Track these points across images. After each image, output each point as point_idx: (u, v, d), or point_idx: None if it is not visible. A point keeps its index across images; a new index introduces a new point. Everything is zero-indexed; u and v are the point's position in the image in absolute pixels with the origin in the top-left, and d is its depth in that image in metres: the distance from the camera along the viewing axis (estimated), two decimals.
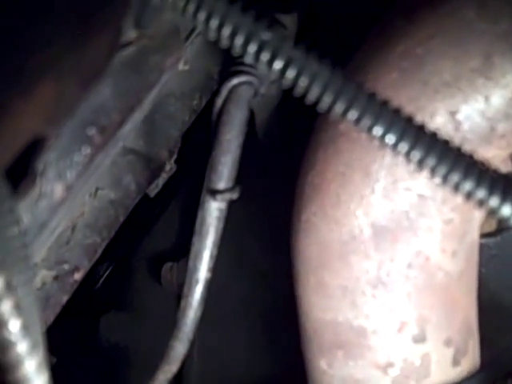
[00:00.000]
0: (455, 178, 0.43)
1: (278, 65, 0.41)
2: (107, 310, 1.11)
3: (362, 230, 0.65)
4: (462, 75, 0.60)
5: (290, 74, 0.41)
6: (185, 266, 0.88)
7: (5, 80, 0.29)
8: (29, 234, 0.45)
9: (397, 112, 0.43)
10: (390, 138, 0.43)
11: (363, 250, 0.66)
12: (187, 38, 0.53)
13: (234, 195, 0.69)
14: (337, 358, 0.71)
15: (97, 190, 0.65)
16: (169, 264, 1.00)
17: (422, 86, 0.60)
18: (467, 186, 0.43)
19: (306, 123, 0.72)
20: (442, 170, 0.43)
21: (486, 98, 0.61)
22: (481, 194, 0.43)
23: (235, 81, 0.69)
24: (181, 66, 0.69)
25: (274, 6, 0.73)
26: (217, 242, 0.72)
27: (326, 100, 0.42)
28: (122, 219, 0.69)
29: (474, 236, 0.69)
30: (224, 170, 0.69)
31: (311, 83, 0.41)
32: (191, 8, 0.39)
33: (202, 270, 0.72)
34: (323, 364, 0.73)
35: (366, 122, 0.42)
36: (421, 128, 0.43)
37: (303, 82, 0.41)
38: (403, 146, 0.43)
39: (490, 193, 0.43)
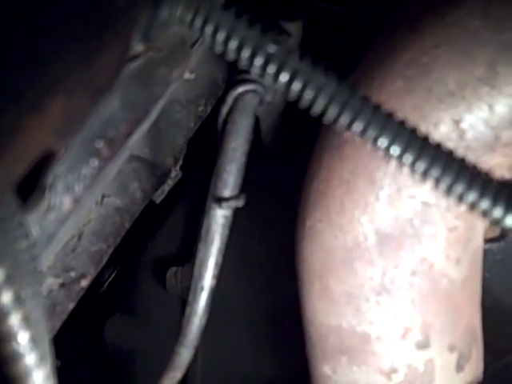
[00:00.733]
0: (459, 188, 0.44)
1: (284, 77, 0.41)
2: (112, 313, 1.11)
3: (366, 237, 0.65)
4: (466, 84, 0.60)
5: (296, 86, 0.41)
6: (189, 271, 0.88)
7: (16, 94, 0.29)
8: (37, 246, 0.45)
9: (401, 124, 0.43)
10: (395, 150, 0.43)
11: (367, 256, 0.66)
12: (192, 46, 0.54)
13: (240, 203, 0.70)
14: (341, 363, 0.72)
15: (103, 197, 0.66)
16: (173, 269, 1.00)
17: (427, 94, 0.60)
18: (471, 196, 0.44)
19: (310, 130, 0.72)
20: (446, 180, 0.44)
21: (490, 107, 0.61)
22: (485, 204, 0.44)
23: (241, 89, 0.69)
24: (187, 75, 0.70)
25: (279, 13, 0.73)
26: (222, 250, 0.73)
27: (332, 112, 0.42)
28: (127, 226, 0.69)
29: (478, 242, 0.69)
30: (229, 178, 0.69)
31: (317, 95, 0.42)
32: (198, 22, 0.40)
33: (207, 278, 0.72)
34: (327, 369, 0.73)
35: (371, 133, 0.43)
36: (425, 139, 0.44)
37: (309, 95, 0.42)
38: (408, 158, 0.44)
39: (494, 204, 0.44)
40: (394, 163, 0.63)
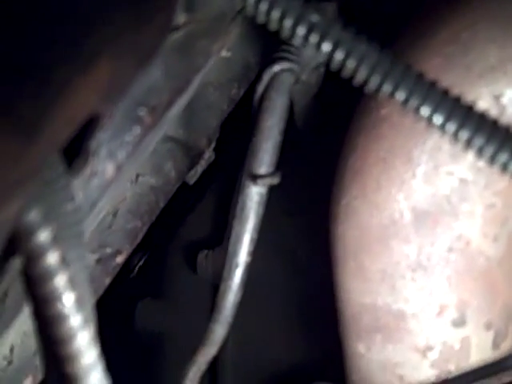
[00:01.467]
0: (503, 157, 0.43)
1: (326, 47, 0.41)
2: (143, 297, 1.12)
3: (402, 214, 0.65)
4: (508, 58, 0.59)
5: (339, 55, 0.41)
6: (220, 255, 0.88)
7: (64, 55, 0.29)
8: (81, 211, 0.45)
9: (445, 93, 0.43)
10: (438, 118, 0.43)
11: (403, 234, 0.66)
12: (232, 20, 0.54)
13: (275, 180, 0.70)
14: (375, 342, 0.72)
15: (138, 176, 0.66)
16: (204, 252, 1.00)
17: (466, 70, 0.60)
18: None
19: (342, 113, 0.72)
20: (490, 149, 0.43)
21: None
22: None
23: (277, 67, 0.69)
24: (224, 53, 0.70)
25: None
26: (257, 227, 0.73)
27: (374, 81, 0.42)
28: (162, 205, 0.70)
29: None
30: (265, 156, 0.69)
31: (359, 64, 0.41)
32: None
33: (242, 254, 0.72)
34: (361, 348, 0.73)
35: (414, 102, 0.42)
36: (469, 108, 0.43)
37: (351, 64, 0.41)
38: (451, 126, 0.43)
39: None
40: (431, 140, 0.64)
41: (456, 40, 0.61)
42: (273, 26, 0.41)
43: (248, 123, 0.77)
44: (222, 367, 1.00)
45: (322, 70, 0.75)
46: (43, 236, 0.35)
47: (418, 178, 0.64)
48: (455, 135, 0.43)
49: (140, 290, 1.13)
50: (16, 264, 0.37)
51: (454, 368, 0.70)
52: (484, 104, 0.61)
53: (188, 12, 0.39)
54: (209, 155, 0.75)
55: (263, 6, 0.40)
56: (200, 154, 0.73)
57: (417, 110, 0.43)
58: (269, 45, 0.77)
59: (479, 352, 0.71)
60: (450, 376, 0.70)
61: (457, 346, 0.70)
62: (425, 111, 0.43)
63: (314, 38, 0.41)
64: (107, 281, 0.63)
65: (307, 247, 0.90)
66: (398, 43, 0.67)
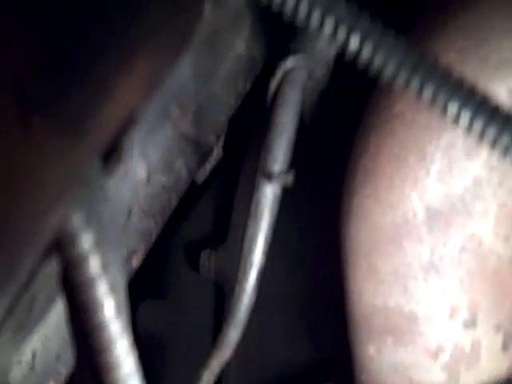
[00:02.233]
0: None
1: (354, 42, 0.40)
2: (144, 298, 1.11)
3: (415, 213, 0.65)
4: None
5: (366, 51, 0.41)
6: (223, 254, 0.87)
7: (104, 54, 0.29)
8: (117, 213, 0.45)
9: (472, 89, 0.43)
10: (452, 108, 0.42)
11: (416, 233, 0.66)
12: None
13: (290, 178, 0.69)
14: (386, 344, 0.71)
15: (149, 174, 0.65)
16: (207, 251, 0.99)
17: (482, 63, 0.60)
18: None
19: (351, 107, 0.72)
20: (505, 140, 0.43)
21: None
22: None
23: (290, 63, 0.68)
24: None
25: None
26: (272, 226, 0.72)
27: (402, 77, 0.41)
28: (174, 204, 0.69)
29: None
30: (280, 153, 0.68)
31: (387, 61, 0.41)
32: None
33: (257, 253, 0.71)
34: (372, 350, 0.73)
35: (442, 98, 0.42)
36: (496, 108, 0.43)
37: (379, 59, 0.41)
38: (477, 125, 0.43)
39: None
40: (446, 137, 0.63)
41: (470, 33, 0.61)
42: (301, 18, 0.40)
43: (247, 118, 0.76)
44: (226, 370, 0.99)
45: (332, 65, 0.74)
46: (85, 242, 0.34)
47: (432, 177, 0.64)
48: (482, 134, 0.43)
49: (141, 291, 1.12)
50: (47, 269, 0.36)
51: (464, 370, 0.70)
52: (500, 98, 0.60)
53: (215, 6, 0.38)
54: (217, 152, 0.74)
55: (290, 0, 0.39)
56: (209, 151, 0.73)
57: (444, 107, 0.42)
58: (275, 38, 0.76)
59: (489, 354, 0.71)
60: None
61: (467, 348, 0.69)
62: (452, 108, 0.42)
63: (341, 34, 0.40)
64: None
65: (312, 247, 0.89)
66: (411, 36, 0.67)
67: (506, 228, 0.66)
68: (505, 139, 0.43)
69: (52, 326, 0.58)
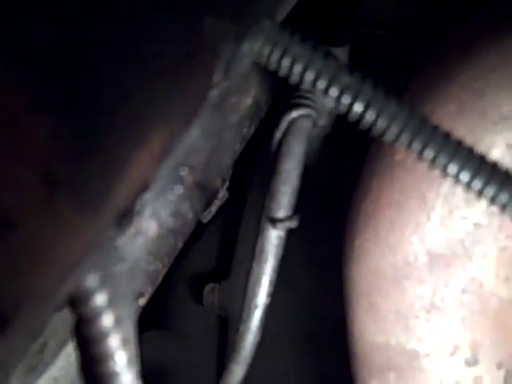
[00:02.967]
0: None
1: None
2: (147, 329, 1.12)
3: (416, 256, 0.66)
4: None
5: (358, 107, 0.43)
6: (226, 288, 0.89)
7: (124, 132, 0.30)
8: (131, 270, 0.46)
9: (470, 151, 0.44)
10: (464, 176, 0.44)
11: (417, 275, 0.67)
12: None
13: (294, 223, 0.71)
14: (388, 380, 0.72)
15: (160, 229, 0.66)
16: (211, 285, 1.01)
17: (480, 117, 0.61)
18: None
19: (353, 156, 0.73)
20: (503, 198, 0.45)
21: None
22: None
23: (295, 114, 0.70)
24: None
25: (325, 39, 0.74)
26: (276, 269, 0.73)
27: (392, 132, 0.43)
28: (180, 246, 0.70)
29: None
30: (283, 199, 0.70)
31: (378, 116, 0.43)
32: (276, 55, 0.41)
33: (261, 296, 0.73)
34: None
35: (442, 160, 0.44)
36: (494, 166, 0.45)
37: (370, 116, 0.43)
38: (476, 185, 0.45)
39: None
40: (446, 185, 0.65)
41: (470, 87, 0.63)
42: (308, 83, 0.42)
43: (250, 160, 0.77)
44: None
45: (335, 112, 0.76)
46: (100, 300, 0.36)
47: (433, 222, 0.65)
48: (480, 193, 0.45)
49: (144, 322, 1.12)
50: (60, 315, 0.37)
51: None
52: (498, 152, 0.62)
53: (226, 73, 0.40)
54: (222, 194, 0.76)
55: (297, 69, 0.41)
56: (215, 194, 0.74)
57: (445, 168, 0.44)
58: (278, 82, 0.78)
59: None
60: None
61: None
62: (440, 162, 0.44)
63: (333, 92, 0.42)
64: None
65: (316, 284, 0.90)
66: (411, 89, 0.68)
67: (506, 270, 0.68)
68: (503, 197, 0.45)
69: (60, 368, 0.59)
